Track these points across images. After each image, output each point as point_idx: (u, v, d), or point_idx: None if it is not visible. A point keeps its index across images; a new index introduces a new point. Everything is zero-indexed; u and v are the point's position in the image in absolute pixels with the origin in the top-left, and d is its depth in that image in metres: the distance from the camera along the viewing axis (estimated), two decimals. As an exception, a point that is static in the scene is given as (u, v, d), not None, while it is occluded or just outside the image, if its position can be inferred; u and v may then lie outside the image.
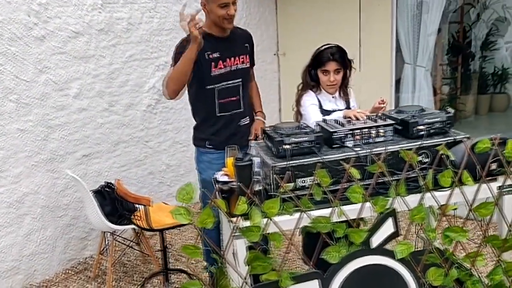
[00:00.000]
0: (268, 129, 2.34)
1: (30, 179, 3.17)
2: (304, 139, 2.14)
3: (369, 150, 2.15)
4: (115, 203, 3.02)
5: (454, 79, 5.70)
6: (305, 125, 2.36)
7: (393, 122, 2.32)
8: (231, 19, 2.67)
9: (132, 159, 3.84)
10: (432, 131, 2.29)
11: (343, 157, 2.12)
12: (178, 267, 3.25)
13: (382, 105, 2.73)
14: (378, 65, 4.59)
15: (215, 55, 2.70)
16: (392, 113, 2.48)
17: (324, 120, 2.43)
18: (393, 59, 4.56)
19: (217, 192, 2.32)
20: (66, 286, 3.22)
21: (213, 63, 2.69)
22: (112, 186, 3.14)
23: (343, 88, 2.83)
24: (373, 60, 4.61)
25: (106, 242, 3.17)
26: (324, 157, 2.11)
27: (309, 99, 2.78)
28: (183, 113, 4.26)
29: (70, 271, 3.41)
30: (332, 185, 2.08)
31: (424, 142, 2.21)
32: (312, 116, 2.71)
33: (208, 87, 2.72)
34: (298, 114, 2.85)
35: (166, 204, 3.18)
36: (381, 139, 2.28)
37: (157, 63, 3.96)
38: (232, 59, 2.75)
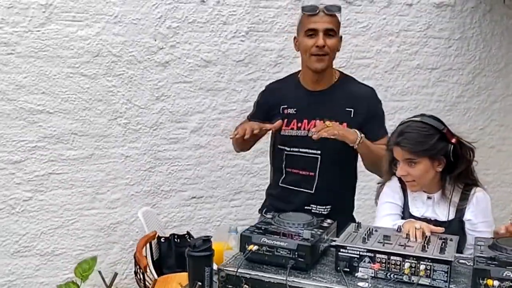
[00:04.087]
0: (269, 216, 1.93)
1: (126, 208, 3.48)
2: (281, 243, 1.69)
3: (373, 292, 1.53)
4: (179, 256, 3.02)
5: None
6: (320, 224, 1.84)
7: (450, 259, 1.57)
8: (323, 55, 2.30)
9: (255, 213, 3.75)
10: (518, 295, 1.45)
11: (323, 290, 1.57)
12: None
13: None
14: None
15: (291, 111, 2.42)
16: (481, 243, 1.68)
17: (358, 225, 1.84)
18: None
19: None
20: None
21: (286, 120, 2.41)
22: (188, 238, 3.15)
23: (451, 186, 2.08)
24: None
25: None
26: (292, 280, 1.60)
27: (388, 193, 2.19)
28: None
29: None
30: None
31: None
32: (379, 220, 2.10)
33: (279, 146, 2.48)
34: None
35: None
36: (425, 281, 1.58)
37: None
38: (313, 121, 2.36)
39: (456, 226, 2.04)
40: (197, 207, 3.67)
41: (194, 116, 3.57)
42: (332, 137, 2.20)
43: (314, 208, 2.38)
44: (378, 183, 2.25)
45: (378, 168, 2.36)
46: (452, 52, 4.21)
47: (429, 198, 2.11)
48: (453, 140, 2.04)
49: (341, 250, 1.67)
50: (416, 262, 1.59)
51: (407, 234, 1.74)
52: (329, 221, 1.89)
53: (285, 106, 2.44)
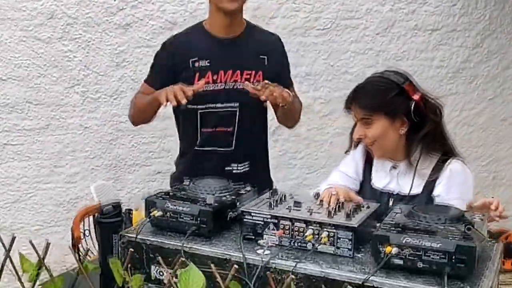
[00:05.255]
0: (186, 182, 2.01)
1: (86, 183, 3.60)
2: (183, 209, 1.77)
3: (265, 259, 1.60)
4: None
5: None
6: (237, 190, 1.92)
7: (354, 225, 1.62)
8: None
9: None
10: (421, 265, 1.49)
11: (219, 256, 1.65)
12: None
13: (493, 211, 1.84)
14: None
15: (204, 63, 2.51)
16: (398, 211, 1.73)
17: (274, 191, 1.91)
18: None
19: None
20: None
21: (198, 74, 2.49)
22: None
23: (420, 154, 2.08)
24: None
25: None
26: (190, 246, 1.69)
27: (344, 162, 2.27)
28: (323, 147, 3.99)
29: None
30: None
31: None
32: (323, 187, 2.17)
33: (189, 106, 2.49)
34: None
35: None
36: (329, 249, 1.64)
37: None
38: (230, 72, 2.49)
39: (422, 203, 1.99)
40: (164, 182, 3.75)
41: (159, 84, 3.66)
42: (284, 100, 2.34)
43: (235, 168, 2.53)
44: (346, 152, 2.29)
45: (294, 120, 2.70)
46: (457, 11, 4.19)
47: (394, 168, 2.12)
48: (416, 97, 2.02)
49: (246, 216, 1.75)
50: (319, 228, 1.65)
51: (321, 201, 1.80)
52: (248, 188, 1.97)
53: (195, 58, 2.51)
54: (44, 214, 3.62)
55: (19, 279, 1.74)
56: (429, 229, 1.56)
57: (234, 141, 2.52)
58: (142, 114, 2.65)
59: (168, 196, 1.84)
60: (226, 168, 2.52)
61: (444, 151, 2.10)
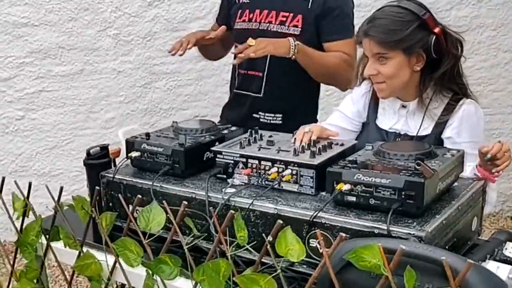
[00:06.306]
0: (173, 123, 2.20)
1: (122, 128, 3.92)
2: (158, 149, 1.98)
3: (225, 197, 1.78)
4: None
5: None
6: (221, 130, 2.09)
7: (315, 163, 1.76)
8: None
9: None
10: (373, 201, 1.62)
11: (186, 195, 1.85)
12: None
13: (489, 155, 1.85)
14: None
15: (246, 0, 2.65)
16: (369, 148, 1.84)
17: (254, 131, 2.05)
18: None
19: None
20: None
21: (240, 11, 2.66)
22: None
23: (433, 93, 2.11)
24: None
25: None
26: (161, 185, 1.90)
27: (345, 101, 2.33)
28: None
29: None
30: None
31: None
32: None
33: (235, 44, 2.70)
34: None
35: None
36: (293, 187, 1.80)
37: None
38: (265, 12, 2.60)
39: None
40: (201, 126, 4.01)
41: (194, 23, 3.84)
42: (262, 55, 2.41)
43: (262, 116, 2.65)
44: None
45: (331, 80, 2.62)
46: None
47: (403, 107, 2.15)
48: (436, 30, 2.02)
49: (218, 155, 1.92)
50: (283, 167, 1.80)
51: (295, 139, 1.93)
52: (233, 128, 2.14)
53: None
54: (81, 161, 3.95)
55: (10, 217, 2.03)
56: (386, 166, 1.67)
57: (263, 87, 2.61)
58: (207, 52, 2.91)
59: (147, 137, 2.04)
60: (253, 115, 2.64)
61: (458, 90, 2.12)
